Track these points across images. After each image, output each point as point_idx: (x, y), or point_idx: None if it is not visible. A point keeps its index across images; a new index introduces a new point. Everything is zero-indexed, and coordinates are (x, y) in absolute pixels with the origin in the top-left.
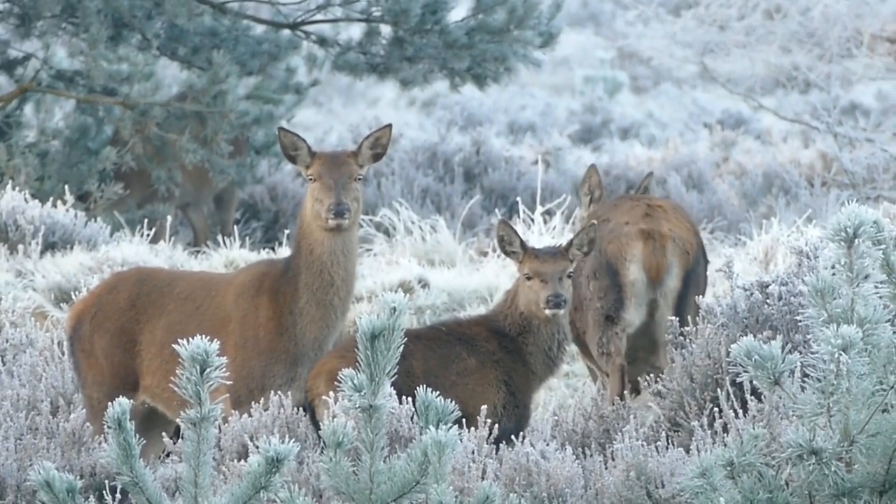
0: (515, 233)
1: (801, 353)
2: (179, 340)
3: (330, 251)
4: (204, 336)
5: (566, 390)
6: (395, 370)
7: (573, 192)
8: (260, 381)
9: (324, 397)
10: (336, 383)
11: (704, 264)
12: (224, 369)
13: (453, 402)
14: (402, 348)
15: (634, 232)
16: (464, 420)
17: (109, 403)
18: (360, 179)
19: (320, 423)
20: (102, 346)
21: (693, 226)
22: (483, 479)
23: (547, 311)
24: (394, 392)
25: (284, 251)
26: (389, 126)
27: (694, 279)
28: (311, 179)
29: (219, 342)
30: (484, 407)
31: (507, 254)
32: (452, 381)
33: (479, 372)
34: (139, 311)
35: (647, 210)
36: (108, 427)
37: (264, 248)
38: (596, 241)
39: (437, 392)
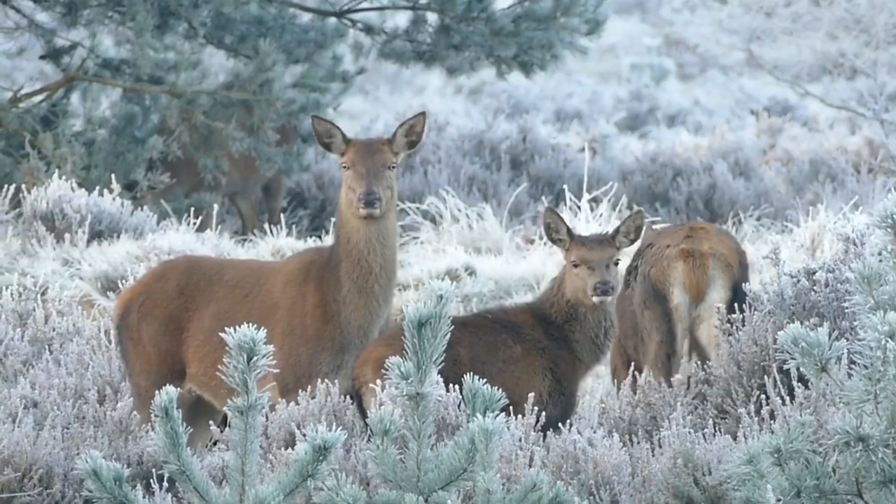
0: (562, 220)
1: (847, 339)
2: (226, 328)
3: (366, 239)
4: (252, 324)
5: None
6: (442, 358)
7: (620, 178)
8: (307, 369)
9: (371, 385)
10: (383, 371)
11: (746, 281)
12: (271, 357)
13: (500, 389)
14: (448, 336)
15: (675, 253)
16: (510, 408)
17: (156, 392)
18: (393, 168)
19: (367, 411)
20: (150, 335)
21: (737, 246)
22: (530, 466)
23: (595, 299)
24: (441, 380)
25: (330, 239)
26: (424, 114)
27: (742, 294)
28: (344, 167)
29: (266, 330)
30: (531, 395)
31: (553, 241)
32: (499, 369)
33: (524, 360)
34: (188, 299)
35: (689, 232)
36: (156, 415)
37: (311, 237)
38: (643, 229)
39: (484, 380)
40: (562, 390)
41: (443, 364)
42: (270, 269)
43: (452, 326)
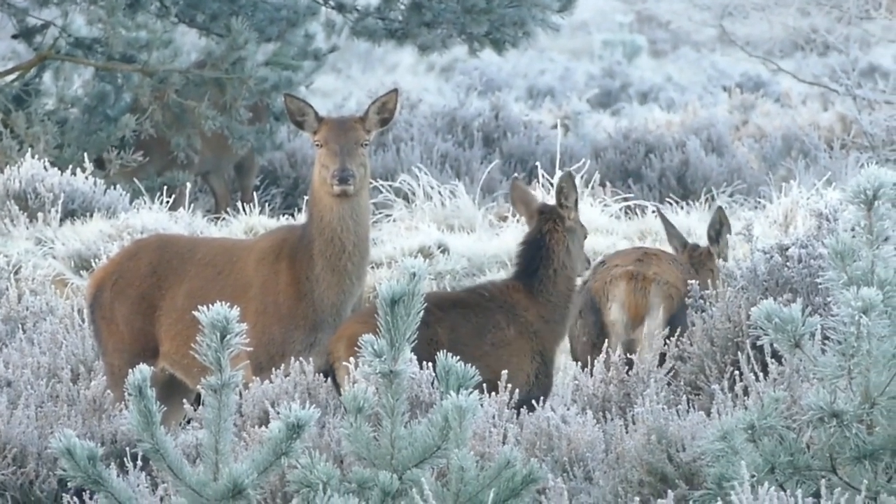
0: (528, 192)
1: (821, 315)
2: (199, 307)
3: (339, 217)
4: (224, 302)
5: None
6: (417, 338)
7: (592, 155)
8: (280, 348)
9: (344, 362)
10: (357, 348)
11: (685, 314)
12: (245, 336)
13: (485, 370)
14: (427, 316)
15: (620, 273)
16: (486, 387)
17: (130, 370)
18: (366, 145)
19: (341, 388)
20: (123, 313)
21: (684, 277)
22: (504, 443)
23: None
24: (414, 357)
25: (303, 218)
26: (396, 91)
27: (676, 325)
28: (318, 145)
29: (239, 308)
30: (507, 373)
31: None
32: (485, 351)
33: (516, 343)
34: (160, 278)
35: (641, 256)
36: (129, 394)
37: (284, 215)
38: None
39: (464, 360)
40: (547, 372)
41: (416, 343)
42: (243, 247)
43: (438, 305)
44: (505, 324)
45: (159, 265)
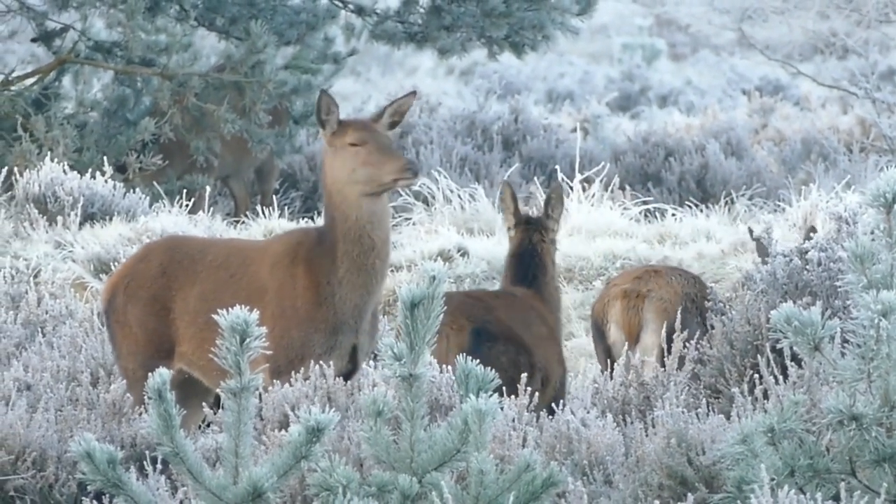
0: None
1: (840, 318)
2: (216, 309)
3: (370, 214)
4: (239, 305)
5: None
6: (483, 318)
7: (612, 159)
8: (299, 351)
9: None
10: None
11: (698, 319)
12: (263, 339)
13: (538, 357)
14: (479, 303)
15: (616, 292)
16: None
17: (146, 373)
18: None
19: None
20: (136, 316)
21: (692, 290)
22: (524, 447)
23: None
24: (434, 360)
25: (321, 221)
26: (414, 93)
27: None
28: (352, 145)
29: (257, 311)
30: (524, 375)
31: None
32: (534, 342)
33: (549, 342)
34: (170, 279)
35: (640, 273)
36: (149, 397)
37: (303, 218)
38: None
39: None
40: (564, 379)
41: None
42: (255, 250)
43: (484, 296)
44: (539, 321)
45: (169, 266)
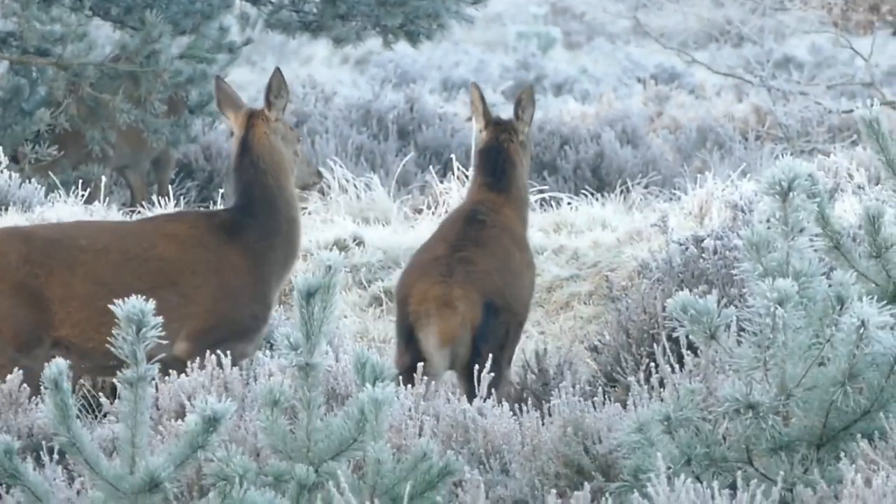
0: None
1: (736, 307)
2: (115, 293)
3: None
4: (147, 286)
5: None
6: (491, 290)
7: None
8: (242, 325)
9: (432, 321)
10: (446, 308)
11: None
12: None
13: (516, 302)
14: (468, 256)
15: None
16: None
17: (13, 367)
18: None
19: (424, 348)
20: (3, 308)
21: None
22: (420, 436)
23: None
24: (329, 349)
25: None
26: (277, 69)
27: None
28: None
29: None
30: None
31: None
32: (507, 282)
33: (522, 264)
34: (35, 266)
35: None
36: (45, 387)
37: (199, 207)
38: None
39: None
40: (533, 273)
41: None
42: (149, 231)
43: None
44: (510, 245)
45: (30, 254)
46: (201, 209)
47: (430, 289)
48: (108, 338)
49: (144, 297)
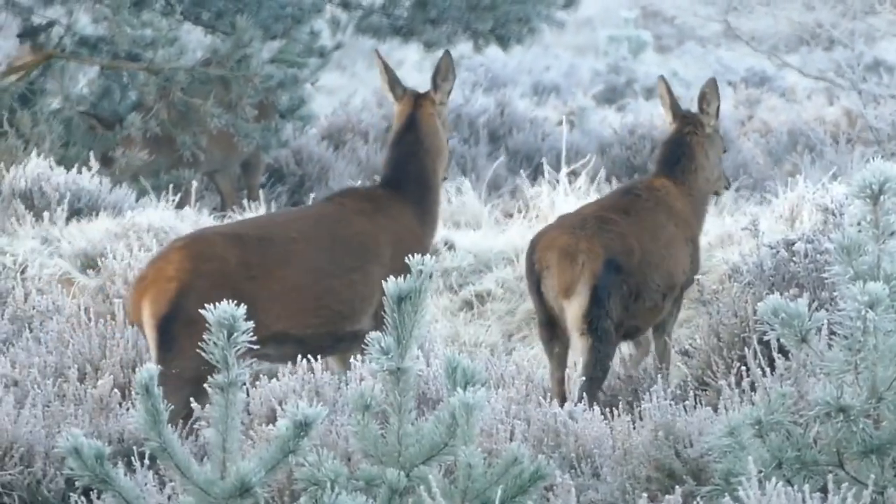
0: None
1: (827, 310)
2: (330, 278)
3: None
4: (356, 270)
5: None
6: (617, 249)
7: (598, 151)
8: None
9: (554, 268)
10: (568, 258)
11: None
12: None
13: (665, 275)
14: (618, 230)
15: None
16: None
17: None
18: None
19: (545, 298)
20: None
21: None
22: (511, 440)
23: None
24: (420, 354)
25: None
26: (447, 52)
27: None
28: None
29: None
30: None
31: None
32: (662, 256)
33: (676, 237)
34: (248, 268)
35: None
36: (136, 393)
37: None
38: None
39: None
40: (696, 256)
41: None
42: (341, 212)
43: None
44: (665, 220)
45: (245, 257)
46: (359, 186)
47: (556, 238)
48: (326, 320)
49: (356, 274)
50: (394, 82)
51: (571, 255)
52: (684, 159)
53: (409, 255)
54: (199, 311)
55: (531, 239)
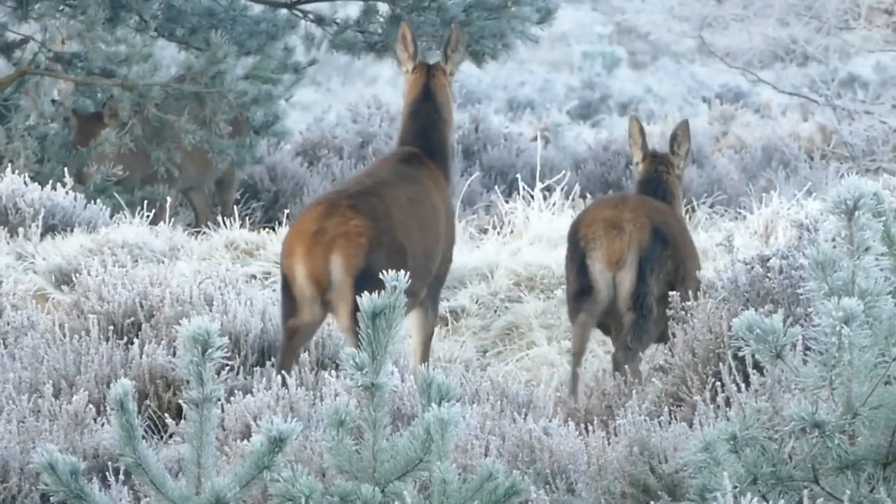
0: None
1: (802, 326)
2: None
3: None
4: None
5: (568, 367)
6: (661, 220)
7: (573, 167)
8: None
9: (601, 242)
10: (613, 230)
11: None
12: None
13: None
14: (659, 206)
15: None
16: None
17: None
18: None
19: (590, 271)
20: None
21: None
22: (486, 455)
23: None
24: (395, 370)
25: (284, 231)
26: (455, 25)
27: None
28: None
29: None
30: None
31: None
32: (686, 250)
33: (691, 252)
34: (398, 224)
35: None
36: (111, 409)
37: (264, 228)
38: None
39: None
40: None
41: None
42: (419, 175)
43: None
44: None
45: (389, 211)
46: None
47: (600, 212)
48: (428, 279)
49: (441, 237)
50: (415, 54)
51: (617, 225)
52: (667, 199)
53: (452, 228)
54: (382, 269)
55: (572, 222)
